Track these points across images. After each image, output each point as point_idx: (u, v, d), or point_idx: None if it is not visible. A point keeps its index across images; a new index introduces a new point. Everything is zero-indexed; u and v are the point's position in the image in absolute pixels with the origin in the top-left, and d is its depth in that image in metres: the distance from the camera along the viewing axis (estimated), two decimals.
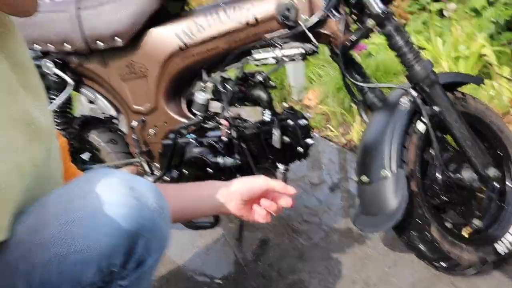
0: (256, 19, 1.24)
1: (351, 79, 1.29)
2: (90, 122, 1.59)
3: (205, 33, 1.27)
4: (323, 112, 2.73)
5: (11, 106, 0.61)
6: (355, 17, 1.28)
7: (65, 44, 1.35)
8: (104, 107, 1.50)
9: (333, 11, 1.21)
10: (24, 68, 0.66)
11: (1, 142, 0.58)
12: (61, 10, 1.33)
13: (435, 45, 2.46)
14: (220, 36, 1.27)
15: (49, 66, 1.42)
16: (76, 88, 1.49)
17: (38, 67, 1.42)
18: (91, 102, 1.55)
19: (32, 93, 0.67)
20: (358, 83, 1.29)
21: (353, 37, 1.23)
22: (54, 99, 1.46)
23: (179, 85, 1.39)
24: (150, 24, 1.31)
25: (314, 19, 1.20)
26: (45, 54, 1.44)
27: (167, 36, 1.30)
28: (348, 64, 1.32)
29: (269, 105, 1.34)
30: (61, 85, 1.46)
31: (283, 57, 1.26)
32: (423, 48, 2.51)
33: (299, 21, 1.21)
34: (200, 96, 1.33)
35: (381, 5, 1.17)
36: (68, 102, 1.53)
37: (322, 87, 2.91)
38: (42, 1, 1.41)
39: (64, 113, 1.54)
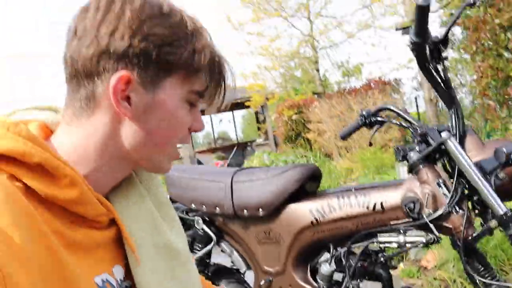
0: (383, 207, 1.39)
1: (472, 272, 1.34)
2: (222, 272, 1.79)
3: (336, 214, 1.45)
4: (442, 278, 2.66)
5: (156, 236, 0.79)
6: (477, 212, 1.37)
7: (216, 208, 1.62)
8: (237, 262, 1.71)
9: (456, 207, 1.32)
10: (163, 204, 0.85)
11: (148, 266, 0.75)
12: (218, 181, 1.63)
13: None
14: (349, 218, 1.43)
15: (199, 222, 1.69)
16: (217, 241, 1.73)
17: (191, 221, 1.71)
18: (222, 251, 1.78)
19: (170, 223, 0.85)
20: (480, 278, 1.33)
21: (475, 234, 1.31)
22: (198, 249, 1.71)
23: (307, 254, 1.55)
24: (289, 200, 1.53)
25: (437, 213, 1.31)
26: (196, 211, 1.73)
27: (302, 212, 1.50)
28: (470, 254, 1.37)
29: (388, 284, 1.42)
30: (205, 238, 1.71)
31: (406, 243, 1.38)
32: None
33: (423, 214, 1.33)
34: (325, 268, 1.48)
35: (503, 207, 1.25)
36: (208, 252, 1.76)
37: (442, 250, 2.86)
38: (203, 169, 1.74)
39: (202, 260, 1.77)
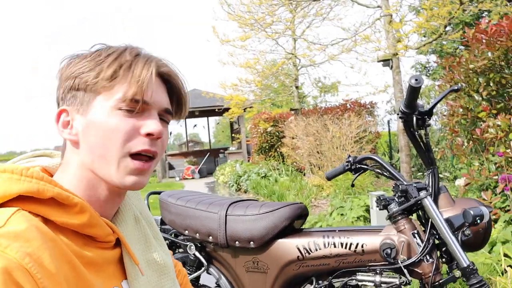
0: (363, 250, 1.56)
1: None
2: None
3: (320, 252, 1.61)
4: None
5: (148, 254, 0.93)
6: (445, 260, 1.55)
7: (209, 237, 1.76)
8: (224, 287, 1.84)
9: (427, 256, 1.50)
10: (152, 224, 1.00)
11: (142, 279, 0.88)
12: (213, 212, 1.76)
13: None
14: (332, 256, 1.59)
15: (191, 248, 1.82)
16: (207, 267, 1.86)
17: (183, 245, 1.83)
18: (208, 273, 1.90)
19: (158, 240, 0.99)
20: None
21: (442, 280, 1.49)
22: (188, 273, 1.83)
23: (291, 285, 1.70)
24: (278, 235, 1.68)
25: (411, 260, 1.49)
26: (188, 236, 1.86)
27: (289, 247, 1.66)
28: None
29: None
30: (195, 263, 1.84)
31: (381, 283, 1.54)
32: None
33: (398, 259, 1.51)
34: None
35: (467, 260, 1.43)
36: (197, 276, 1.89)
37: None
38: (198, 198, 1.87)
39: (191, 283, 1.90)
